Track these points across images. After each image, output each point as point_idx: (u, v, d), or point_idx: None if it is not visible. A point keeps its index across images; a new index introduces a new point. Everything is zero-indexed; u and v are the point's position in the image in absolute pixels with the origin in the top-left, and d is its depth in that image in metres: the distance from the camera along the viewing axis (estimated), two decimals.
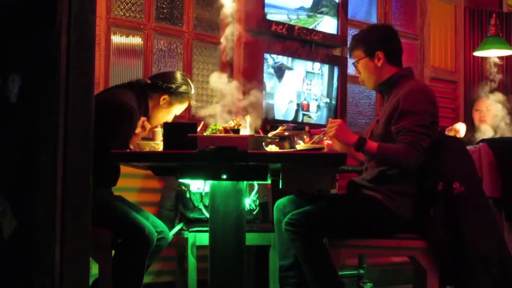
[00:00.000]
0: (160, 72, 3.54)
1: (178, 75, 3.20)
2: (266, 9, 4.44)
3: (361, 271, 4.33)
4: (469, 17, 5.93)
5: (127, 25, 4.15)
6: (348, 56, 3.08)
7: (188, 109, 4.37)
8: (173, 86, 3.12)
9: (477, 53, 5.45)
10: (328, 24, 4.79)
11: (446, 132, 4.21)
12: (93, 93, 1.57)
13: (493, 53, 5.35)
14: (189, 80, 3.23)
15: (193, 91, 3.21)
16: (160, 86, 3.12)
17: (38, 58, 1.45)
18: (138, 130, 3.16)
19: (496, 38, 5.16)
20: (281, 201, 3.06)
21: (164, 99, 3.13)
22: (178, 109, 3.20)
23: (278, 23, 4.52)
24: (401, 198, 2.78)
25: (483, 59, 5.73)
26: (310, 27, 4.70)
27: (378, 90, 3.07)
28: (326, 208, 2.83)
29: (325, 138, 2.85)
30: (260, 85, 4.32)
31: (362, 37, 2.99)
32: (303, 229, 2.70)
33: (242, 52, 4.48)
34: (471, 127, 4.58)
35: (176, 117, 3.22)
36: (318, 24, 4.75)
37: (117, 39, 4.11)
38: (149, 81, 3.16)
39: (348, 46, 3.06)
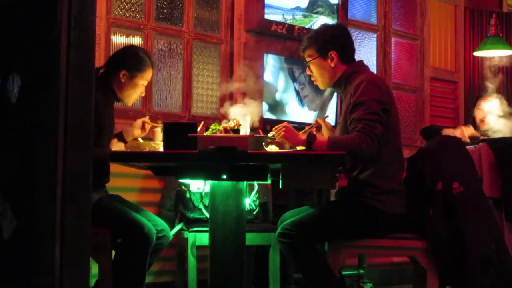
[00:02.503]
0: (112, 54, 3.39)
1: (129, 48, 3.18)
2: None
3: (361, 271, 4.33)
4: (469, 17, 5.93)
5: (127, 25, 4.15)
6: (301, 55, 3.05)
7: (188, 109, 4.38)
8: (127, 58, 3.08)
9: (477, 53, 5.45)
10: None
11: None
12: (93, 93, 1.57)
13: (493, 53, 5.35)
14: (141, 48, 3.19)
15: (149, 57, 3.14)
16: (115, 65, 3.07)
17: (38, 58, 1.45)
18: (138, 132, 3.15)
19: (496, 38, 5.17)
20: (286, 215, 3.05)
21: (123, 75, 3.05)
22: (143, 78, 3.11)
23: (278, 23, 4.52)
24: (384, 196, 2.77)
25: (483, 59, 5.74)
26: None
27: (335, 90, 3.06)
28: (317, 217, 2.81)
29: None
30: (260, 85, 4.32)
31: (314, 37, 2.96)
32: (296, 240, 2.70)
33: (242, 52, 4.48)
34: (472, 125, 4.57)
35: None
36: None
37: (117, 39, 4.11)
38: (103, 68, 3.11)
39: (300, 45, 3.02)
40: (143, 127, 3.15)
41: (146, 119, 3.17)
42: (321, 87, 3.05)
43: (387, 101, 2.80)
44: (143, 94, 3.17)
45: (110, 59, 3.17)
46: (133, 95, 3.12)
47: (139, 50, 3.17)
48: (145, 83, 3.14)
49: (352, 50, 2.99)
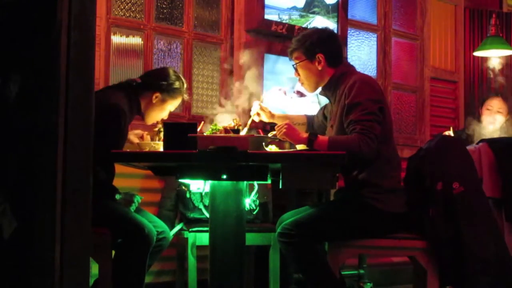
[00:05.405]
0: (151, 70, 3.47)
1: (169, 71, 3.19)
2: None
3: (361, 271, 4.33)
4: (469, 17, 5.93)
5: (127, 25, 4.15)
6: (289, 58, 3.07)
7: (188, 109, 4.37)
8: (165, 83, 3.11)
9: (477, 53, 5.45)
10: (319, 24, 4.78)
11: None
12: (93, 93, 1.57)
13: (493, 53, 5.35)
14: (180, 76, 3.22)
15: (185, 86, 3.19)
16: (152, 84, 3.10)
17: (38, 58, 1.45)
18: (135, 139, 3.17)
19: (496, 38, 5.16)
20: (284, 217, 3.05)
21: (156, 97, 3.10)
22: (172, 105, 3.18)
23: (278, 23, 4.51)
24: (383, 196, 2.77)
25: (483, 59, 5.73)
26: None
27: (323, 94, 3.05)
28: (317, 217, 2.81)
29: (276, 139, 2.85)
30: (260, 85, 4.32)
31: (302, 40, 2.97)
32: (296, 239, 2.70)
33: (242, 52, 4.48)
34: (477, 124, 4.56)
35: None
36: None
37: (117, 39, 4.11)
38: (139, 80, 3.15)
39: (288, 47, 3.05)
40: (141, 137, 3.20)
41: (146, 135, 3.21)
42: (309, 91, 3.06)
43: (382, 100, 2.81)
44: (166, 118, 3.20)
45: (149, 76, 3.19)
46: (157, 117, 3.18)
47: (179, 77, 3.19)
48: (172, 109, 3.21)
49: (340, 54, 3.00)
